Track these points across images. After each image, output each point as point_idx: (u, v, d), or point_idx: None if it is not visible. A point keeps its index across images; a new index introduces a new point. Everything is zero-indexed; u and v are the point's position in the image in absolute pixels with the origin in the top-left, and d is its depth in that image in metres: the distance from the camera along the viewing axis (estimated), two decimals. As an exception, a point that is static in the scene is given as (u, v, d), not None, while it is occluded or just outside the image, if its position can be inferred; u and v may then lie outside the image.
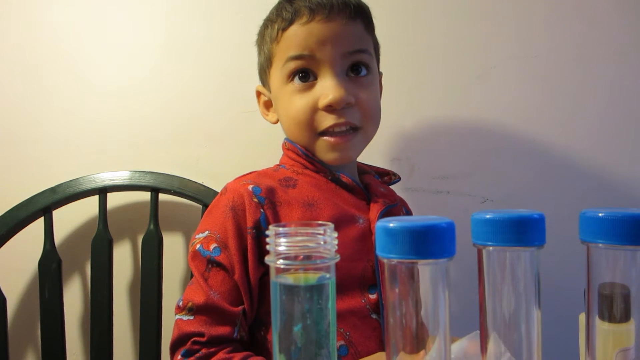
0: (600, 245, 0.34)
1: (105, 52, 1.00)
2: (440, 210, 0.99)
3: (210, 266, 0.65)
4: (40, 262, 0.90)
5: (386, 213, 0.72)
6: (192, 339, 0.63)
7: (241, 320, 0.65)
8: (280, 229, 0.34)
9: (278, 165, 0.77)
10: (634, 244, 0.33)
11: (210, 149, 0.99)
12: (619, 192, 0.98)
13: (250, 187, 0.68)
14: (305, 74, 0.71)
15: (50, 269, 0.90)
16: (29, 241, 0.92)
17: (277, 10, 0.73)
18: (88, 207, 0.96)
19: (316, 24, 0.69)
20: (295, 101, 0.71)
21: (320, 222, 0.35)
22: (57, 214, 0.92)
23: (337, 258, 0.35)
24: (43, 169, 0.98)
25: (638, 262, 0.34)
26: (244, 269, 0.65)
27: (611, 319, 0.35)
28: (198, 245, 0.67)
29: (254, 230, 0.66)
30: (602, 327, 0.35)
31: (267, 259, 0.34)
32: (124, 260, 0.99)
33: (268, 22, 0.75)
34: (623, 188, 0.98)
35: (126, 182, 0.93)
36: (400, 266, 0.32)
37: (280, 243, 0.34)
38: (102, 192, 0.93)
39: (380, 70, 0.81)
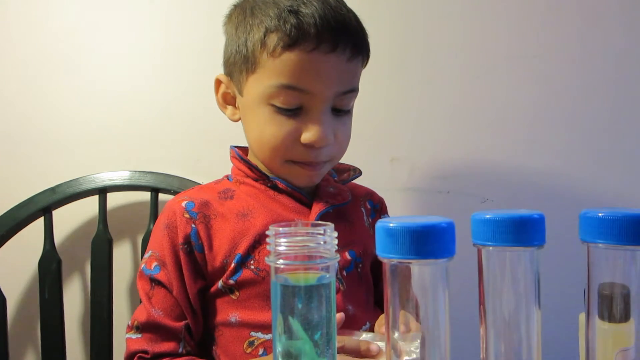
0: (600, 245, 0.34)
1: (106, 53, 1.00)
2: (440, 210, 0.99)
3: (153, 284, 0.67)
4: (40, 262, 0.90)
5: (333, 213, 0.71)
6: (137, 356, 0.64)
7: (185, 335, 0.66)
8: (281, 229, 0.34)
9: (227, 175, 0.76)
10: (634, 244, 0.33)
11: (210, 149, 0.99)
12: (619, 192, 0.98)
13: (183, 203, 0.69)
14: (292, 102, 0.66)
15: (50, 269, 0.90)
16: (29, 241, 0.92)
17: (277, 17, 0.63)
18: (88, 207, 0.96)
19: (321, 55, 0.63)
20: (274, 126, 0.66)
21: (320, 222, 0.35)
22: (57, 214, 0.92)
23: (337, 258, 0.35)
24: (43, 169, 0.98)
25: (638, 262, 0.34)
26: (181, 285, 0.66)
27: (611, 319, 0.35)
28: (142, 266, 0.68)
29: (185, 246, 0.66)
30: (602, 327, 0.35)
31: (267, 259, 0.34)
32: (124, 260, 0.99)
33: (259, 21, 0.65)
34: (623, 188, 0.98)
35: (126, 182, 0.93)
36: (400, 266, 0.32)
37: (280, 243, 0.34)
38: (102, 192, 0.93)
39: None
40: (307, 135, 0.65)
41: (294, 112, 0.66)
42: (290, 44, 0.63)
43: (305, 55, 0.63)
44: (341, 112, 0.69)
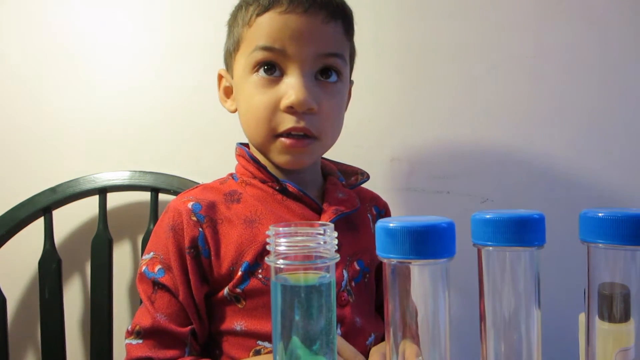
0: (600, 245, 0.34)
1: (106, 53, 1.00)
2: (440, 210, 0.99)
3: (156, 288, 0.64)
4: (40, 262, 0.90)
5: (341, 221, 0.69)
6: None
7: (191, 340, 0.64)
8: (281, 229, 0.34)
9: (231, 174, 0.74)
10: (634, 244, 0.33)
11: (210, 149, 0.99)
12: (618, 192, 0.98)
13: (190, 204, 0.66)
14: (272, 67, 0.66)
15: (50, 269, 0.90)
16: (29, 241, 0.92)
17: None
18: (88, 207, 0.96)
19: (294, 15, 0.64)
20: (256, 96, 0.66)
21: (320, 222, 0.35)
22: (57, 214, 0.92)
23: (337, 258, 0.35)
24: (43, 169, 0.98)
25: (638, 262, 0.34)
26: (188, 290, 0.64)
27: (611, 319, 0.35)
28: (144, 267, 0.65)
29: (192, 250, 0.64)
30: (602, 327, 0.35)
31: (267, 259, 0.34)
32: (124, 260, 0.99)
33: (243, 4, 0.69)
34: (623, 188, 0.98)
35: (126, 182, 0.93)
36: (400, 266, 0.32)
37: (280, 243, 0.34)
38: (102, 192, 0.93)
39: (352, 78, 0.77)
40: (287, 97, 0.64)
41: (275, 79, 0.66)
42: (263, 10, 0.65)
43: (277, 16, 0.65)
44: (326, 80, 0.68)
